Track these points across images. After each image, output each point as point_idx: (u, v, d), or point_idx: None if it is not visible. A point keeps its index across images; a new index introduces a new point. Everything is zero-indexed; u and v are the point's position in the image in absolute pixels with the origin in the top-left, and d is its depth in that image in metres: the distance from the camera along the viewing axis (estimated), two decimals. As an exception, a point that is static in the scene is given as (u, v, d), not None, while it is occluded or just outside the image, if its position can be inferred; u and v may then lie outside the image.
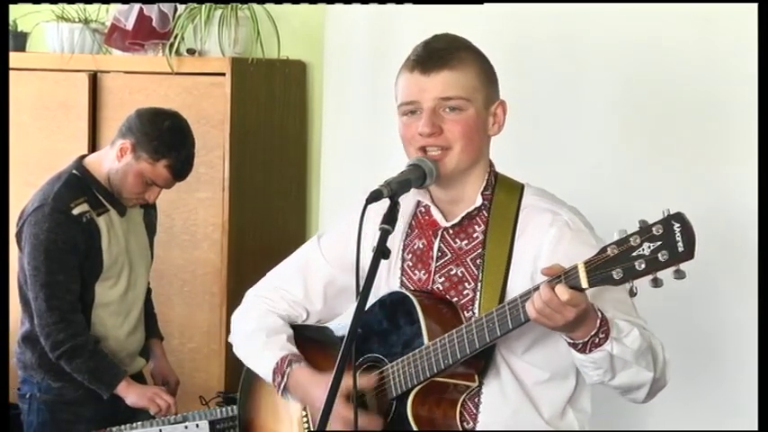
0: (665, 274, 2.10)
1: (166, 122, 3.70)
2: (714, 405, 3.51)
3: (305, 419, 2.73)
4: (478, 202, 2.52)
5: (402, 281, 2.60)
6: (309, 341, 2.75)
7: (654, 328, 2.46)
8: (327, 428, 2.23)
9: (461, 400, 2.47)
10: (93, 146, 4.48)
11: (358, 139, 4.39)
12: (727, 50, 3.46)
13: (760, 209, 3.24)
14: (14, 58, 4.59)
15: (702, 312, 3.52)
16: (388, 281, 2.62)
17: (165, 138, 3.66)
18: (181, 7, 4.52)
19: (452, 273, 2.53)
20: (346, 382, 2.30)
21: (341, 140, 4.50)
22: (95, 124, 4.57)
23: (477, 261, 2.50)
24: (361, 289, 2.28)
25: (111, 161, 3.70)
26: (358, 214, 2.33)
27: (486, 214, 2.52)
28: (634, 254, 2.12)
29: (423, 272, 2.57)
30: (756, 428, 3.01)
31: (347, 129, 4.46)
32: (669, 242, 2.08)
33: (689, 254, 2.07)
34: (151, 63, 4.53)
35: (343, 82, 4.46)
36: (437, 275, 2.55)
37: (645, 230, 2.11)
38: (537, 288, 2.23)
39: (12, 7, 4.68)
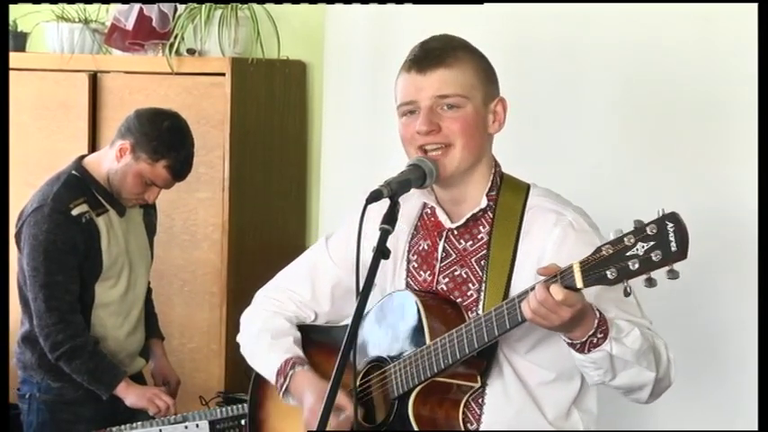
0: (660, 275, 2.10)
1: (166, 123, 3.70)
2: (715, 405, 3.51)
3: None
4: (483, 203, 2.52)
5: (407, 282, 2.60)
6: (316, 343, 2.75)
7: (654, 327, 2.46)
8: (322, 428, 2.23)
9: (464, 400, 2.47)
10: (93, 146, 4.48)
11: (358, 139, 4.39)
12: (727, 50, 3.46)
13: (760, 208, 3.24)
14: (14, 58, 4.59)
15: (703, 312, 3.52)
16: (394, 282, 2.62)
17: (165, 138, 3.66)
18: (181, 7, 4.52)
19: (456, 273, 2.53)
20: (341, 396, 2.31)
21: (341, 140, 4.50)
22: (95, 124, 4.57)
23: (482, 262, 2.50)
24: (361, 289, 2.28)
25: (110, 161, 3.70)
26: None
27: (491, 215, 2.52)
28: (628, 254, 2.12)
29: (428, 273, 2.57)
30: (756, 428, 3.01)
31: (347, 129, 4.46)
32: (662, 242, 2.08)
33: (682, 254, 2.07)
34: (151, 63, 4.53)
35: (343, 82, 4.46)
36: (441, 276, 2.55)
37: (639, 230, 2.11)
38: (533, 288, 2.23)
39: (12, 7, 4.68)
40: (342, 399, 2.49)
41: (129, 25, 4.52)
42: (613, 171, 3.69)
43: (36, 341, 3.68)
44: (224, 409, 3.61)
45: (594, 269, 2.16)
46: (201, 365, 4.41)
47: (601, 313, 2.28)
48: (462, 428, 2.47)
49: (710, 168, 3.52)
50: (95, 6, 4.78)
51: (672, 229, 2.07)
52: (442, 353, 2.40)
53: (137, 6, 4.51)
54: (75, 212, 3.64)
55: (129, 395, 3.70)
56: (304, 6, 4.51)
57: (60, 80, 4.65)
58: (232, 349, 4.30)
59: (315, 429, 2.22)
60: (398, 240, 2.60)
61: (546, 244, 2.44)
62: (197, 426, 3.50)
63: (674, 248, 2.07)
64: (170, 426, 3.52)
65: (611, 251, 2.14)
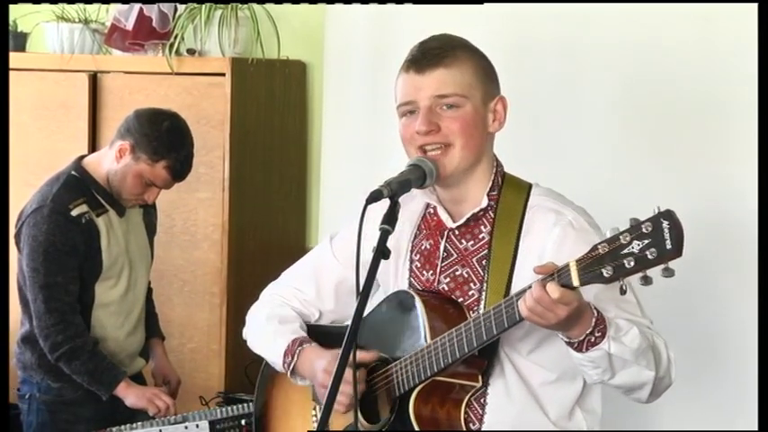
0: (655, 273, 2.10)
1: (165, 123, 3.69)
2: (715, 405, 3.51)
3: (313, 417, 2.73)
4: (484, 203, 2.52)
5: (410, 281, 2.61)
6: (322, 343, 2.75)
7: (655, 327, 2.46)
8: (322, 428, 2.23)
9: (466, 400, 2.47)
10: (93, 146, 4.48)
11: (358, 139, 4.39)
12: (727, 50, 3.46)
13: (760, 208, 3.24)
14: (14, 59, 4.59)
15: (703, 312, 3.52)
16: (397, 281, 2.63)
17: (164, 139, 3.66)
18: (181, 7, 4.52)
19: (458, 273, 2.53)
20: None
21: (341, 140, 4.50)
22: (95, 124, 4.57)
23: (483, 262, 2.51)
24: (361, 289, 2.29)
25: (109, 162, 3.70)
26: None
27: (492, 215, 2.52)
28: (624, 251, 2.12)
29: (430, 272, 2.58)
30: (756, 428, 3.01)
31: (347, 129, 4.46)
32: (658, 240, 2.08)
33: (677, 252, 2.07)
34: (151, 63, 4.53)
35: (343, 82, 4.46)
36: (442, 276, 2.55)
37: (635, 228, 2.11)
38: (531, 286, 2.23)
39: (12, 7, 4.68)
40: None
41: (129, 25, 4.52)
42: (613, 171, 3.69)
43: (36, 341, 3.68)
44: (224, 410, 3.61)
45: (590, 267, 2.16)
46: (201, 365, 4.41)
47: (599, 312, 2.28)
48: (464, 428, 2.47)
49: (710, 168, 3.52)
50: (95, 6, 4.77)
51: (667, 227, 2.07)
52: (442, 352, 2.41)
53: (137, 6, 4.51)
54: (74, 213, 3.64)
55: (129, 395, 3.70)
56: (304, 6, 4.51)
57: (60, 80, 4.64)
58: (232, 349, 4.33)
59: (319, 428, 2.22)
60: (401, 240, 2.61)
61: (546, 243, 2.45)
62: (197, 426, 3.50)
63: (668, 246, 2.07)
64: (170, 426, 3.52)
65: (606, 249, 2.14)
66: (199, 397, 4.08)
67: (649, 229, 2.09)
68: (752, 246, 3.27)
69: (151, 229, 3.93)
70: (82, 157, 3.80)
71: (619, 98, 3.69)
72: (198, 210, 4.41)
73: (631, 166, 3.66)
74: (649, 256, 2.08)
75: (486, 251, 2.51)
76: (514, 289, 2.43)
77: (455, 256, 2.55)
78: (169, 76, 4.43)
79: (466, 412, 2.47)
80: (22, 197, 3.88)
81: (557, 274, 2.20)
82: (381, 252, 2.30)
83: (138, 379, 3.88)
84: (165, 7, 4.51)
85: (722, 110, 3.49)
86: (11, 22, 4.79)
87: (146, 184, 3.69)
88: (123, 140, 3.68)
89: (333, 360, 2.54)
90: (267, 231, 4.56)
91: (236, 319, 4.22)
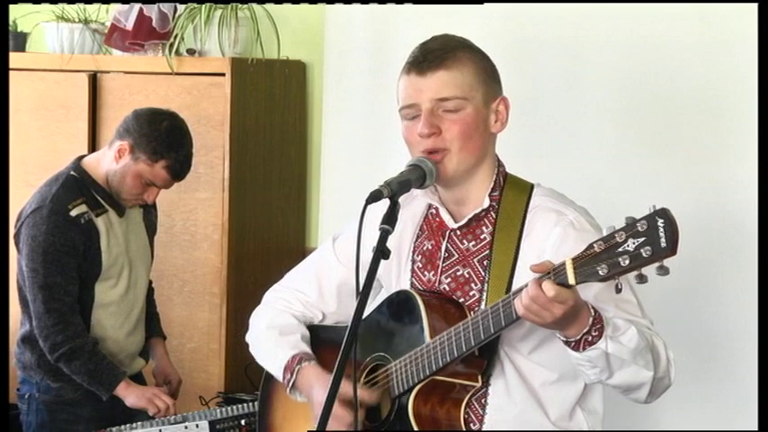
0: (651, 271, 2.10)
1: (164, 123, 3.69)
2: (715, 405, 3.51)
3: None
4: (486, 203, 2.52)
5: (412, 282, 2.61)
6: (325, 342, 2.76)
7: (655, 327, 2.46)
8: (327, 429, 2.23)
9: (466, 400, 2.47)
10: (93, 146, 4.48)
11: (358, 139, 4.39)
12: (727, 50, 3.47)
13: (760, 206, 3.24)
14: (14, 59, 4.59)
15: (703, 312, 3.52)
16: (399, 282, 2.63)
17: (164, 138, 3.66)
18: (181, 7, 4.52)
19: (459, 273, 2.53)
20: (347, 386, 2.30)
21: (341, 140, 4.50)
22: (95, 124, 4.57)
23: (484, 262, 2.51)
24: (361, 289, 2.29)
25: (109, 162, 3.70)
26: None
27: (493, 215, 2.52)
28: (619, 250, 2.11)
29: (432, 273, 2.58)
30: (756, 428, 3.01)
31: (347, 129, 4.46)
32: (653, 238, 2.07)
33: (671, 250, 2.06)
34: (151, 63, 4.52)
35: (343, 82, 4.46)
36: (443, 276, 2.55)
37: (630, 226, 2.11)
38: (527, 285, 2.23)
39: (12, 7, 4.68)
40: (350, 392, 2.48)
41: (129, 25, 4.52)
42: (613, 170, 3.69)
43: (36, 341, 3.68)
44: (224, 410, 3.61)
45: (586, 265, 2.16)
46: (201, 365, 4.41)
47: (596, 311, 2.28)
48: (464, 428, 2.47)
49: (711, 168, 3.52)
50: (95, 6, 4.77)
51: (662, 225, 2.07)
52: (440, 351, 2.41)
53: (137, 6, 4.51)
54: (73, 213, 3.64)
55: (129, 395, 3.69)
56: (304, 6, 4.51)
57: (60, 80, 4.64)
58: (232, 349, 4.33)
59: (319, 428, 2.22)
60: (403, 241, 2.61)
61: (547, 243, 2.45)
62: (197, 426, 3.50)
63: (663, 244, 2.06)
64: (170, 426, 3.52)
65: (602, 247, 2.14)
66: (199, 397, 4.09)
67: (644, 227, 2.09)
68: (752, 246, 3.27)
69: (151, 228, 3.93)
70: (81, 158, 3.80)
71: (619, 98, 3.69)
72: (198, 210, 4.41)
73: (631, 165, 3.66)
74: (644, 255, 2.08)
75: (487, 251, 2.51)
76: (515, 289, 2.42)
77: (456, 256, 2.55)
78: (169, 76, 4.43)
79: (466, 412, 2.47)
80: (21, 197, 3.88)
81: (553, 273, 2.20)
82: (381, 252, 2.30)
83: (138, 379, 3.87)
84: (165, 7, 4.51)
85: (722, 109, 3.49)
86: (11, 22, 4.79)
87: (145, 184, 3.69)
88: (122, 140, 3.68)
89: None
90: (267, 231, 4.56)
91: (236, 319, 4.23)
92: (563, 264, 2.19)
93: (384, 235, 2.31)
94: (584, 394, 2.54)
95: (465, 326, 2.37)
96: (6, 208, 4.19)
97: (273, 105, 4.55)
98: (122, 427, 3.54)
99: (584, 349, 2.28)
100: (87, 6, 4.75)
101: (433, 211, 2.61)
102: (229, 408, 3.61)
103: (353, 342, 2.26)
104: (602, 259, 2.13)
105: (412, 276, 2.61)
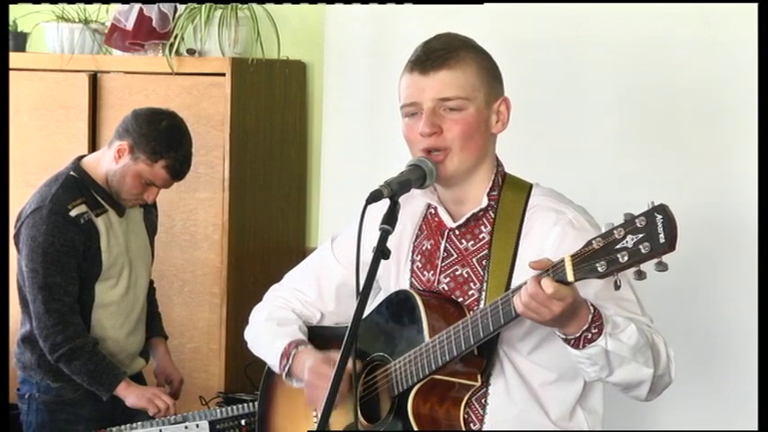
0: (650, 267, 2.10)
1: (164, 123, 3.69)
2: (716, 405, 3.51)
3: (315, 419, 2.73)
4: (484, 203, 2.52)
5: (411, 281, 2.61)
6: (324, 342, 2.75)
7: (655, 325, 2.46)
8: (322, 428, 2.23)
9: (465, 399, 2.47)
10: (94, 146, 4.48)
11: (358, 139, 4.39)
12: (728, 50, 3.47)
13: (760, 206, 3.24)
14: (14, 59, 4.59)
15: (703, 310, 3.52)
16: (398, 282, 2.63)
17: (163, 138, 3.66)
18: (181, 7, 4.52)
19: (458, 273, 2.53)
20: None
21: (341, 140, 4.50)
22: (95, 124, 4.57)
23: (483, 262, 2.51)
24: (361, 289, 2.29)
25: (108, 162, 3.70)
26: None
27: (492, 215, 2.53)
28: (618, 246, 2.12)
29: (431, 272, 2.58)
30: (756, 428, 3.01)
31: (347, 129, 4.46)
32: (651, 234, 2.08)
33: (670, 246, 2.06)
34: (151, 63, 4.52)
35: (343, 82, 4.46)
36: (442, 276, 2.55)
37: (629, 223, 2.11)
38: (526, 282, 2.23)
39: (12, 7, 4.68)
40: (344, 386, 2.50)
41: (129, 25, 4.52)
42: (613, 170, 3.69)
43: (36, 341, 3.68)
44: (224, 410, 3.61)
45: (585, 262, 2.16)
46: (201, 365, 4.41)
47: (595, 308, 2.28)
48: (464, 428, 2.47)
49: (711, 167, 3.52)
50: (95, 6, 4.77)
51: (661, 221, 2.07)
52: (440, 349, 2.41)
53: (137, 6, 4.51)
54: (73, 213, 3.64)
55: (130, 395, 3.69)
56: (304, 6, 4.51)
57: (60, 80, 4.64)
58: (232, 349, 4.32)
59: (319, 428, 2.22)
60: (402, 240, 2.61)
61: (546, 242, 2.45)
62: (197, 426, 3.50)
63: (662, 240, 2.07)
64: (170, 426, 3.52)
65: (601, 244, 2.14)
66: (199, 397, 4.08)
67: (643, 223, 2.09)
68: (752, 245, 3.27)
69: (152, 228, 3.93)
70: (81, 158, 3.80)
71: (619, 97, 3.69)
72: (198, 210, 4.41)
73: (631, 165, 3.66)
74: (643, 251, 2.08)
75: (486, 251, 2.51)
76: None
77: (455, 256, 2.55)
78: (169, 76, 4.43)
79: (466, 412, 2.47)
80: (21, 197, 3.88)
81: (551, 270, 2.21)
82: (381, 252, 2.30)
83: (138, 379, 3.87)
84: (165, 7, 4.51)
85: (722, 109, 3.49)
86: (11, 22, 4.79)
87: (145, 183, 3.69)
88: (122, 140, 3.68)
89: (320, 361, 2.57)
90: (267, 231, 4.55)
91: (236, 319, 4.23)
92: (562, 261, 2.19)
93: (384, 235, 2.31)
94: (584, 394, 2.54)
95: (464, 324, 2.37)
96: (6, 208, 4.19)
97: (273, 105, 4.55)
98: (122, 427, 3.54)
99: (583, 347, 2.29)
100: (87, 6, 4.75)
101: (432, 210, 2.61)
102: (229, 408, 3.61)
103: (353, 342, 2.26)
104: (601, 256, 2.13)
105: (411, 276, 2.61)
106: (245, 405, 3.60)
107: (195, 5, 4.43)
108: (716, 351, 3.51)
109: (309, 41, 4.61)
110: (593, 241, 2.15)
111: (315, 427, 2.70)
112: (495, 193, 2.53)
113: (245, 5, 4.45)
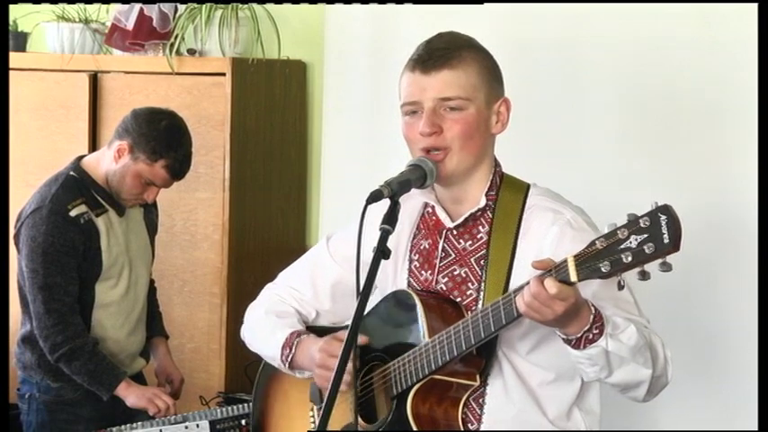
0: (654, 268, 2.10)
1: (163, 122, 3.69)
2: (715, 405, 3.51)
3: (311, 418, 2.73)
4: (482, 202, 2.52)
5: (409, 281, 2.61)
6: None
7: (653, 325, 2.47)
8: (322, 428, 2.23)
9: (464, 399, 2.47)
10: (94, 146, 4.48)
11: (358, 139, 4.39)
12: (728, 50, 3.47)
13: (760, 206, 3.24)
14: (14, 59, 4.59)
15: (703, 311, 3.52)
16: (396, 281, 2.63)
17: (163, 138, 3.66)
18: (181, 7, 4.52)
19: (456, 273, 2.53)
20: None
21: (341, 140, 4.50)
22: (95, 124, 4.57)
23: (481, 261, 2.51)
24: (361, 289, 2.29)
25: (108, 162, 3.70)
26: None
27: (490, 215, 2.53)
28: (621, 246, 2.12)
29: (429, 272, 2.58)
30: (756, 428, 3.02)
31: (347, 129, 4.46)
32: (655, 234, 2.08)
33: (674, 246, 2.07)
34: (151, 63, 4.53)
35: (343, 82, 4.46)
36: (440, 275, 2.55)
37: (632, 223, 2.11)
38: (529, 282, 2.23)
39: (12, 7, 4.68)
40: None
41: (130, 25, 4.52)
42: (613, 170, 3.69)
43: (36, 341, 3.68)
44: (224, 409, 3.61)
45: (588, 262, 2.16)
46: (202, 365, 4.41)
47: (596, 309, 2.29)
48: (462, 427, 2.47)
49: (711, 167, 3.52)
50: (95, 6, 4.77)
51: (665, 222, 2.07)
52: (440, 349, 2.41)
53: (137, 6, 4.51)
54: (73, 213, 3.64)
55: (130, 395, 3.69)
56: (304, 6, 4.51)
57: (60, 80, 4.64)
58: (232, 349, 4.33)
59: (319, 428, 2.22)
60: (400, 239, 2.61)
61: (544, 242, 2.45)
62: (197, 426, 3.50)
63: (666, 241, 2.07)
64: (170, 426, 3.52)
65: (604, 244, 2.14)
66: (199, 397, 4.09)
67: (647, 223, 2.09)
68: (752, 245, 3.27)
69: (152, 228, 3.93)
70: (81, 158, 3.80)
71: (619, 98, 3.69)
72: (198, 210, 4.41)
73: (631, 165, 3.66)
74: (647, 251, 2.09)
75: (484, 251, 2.51)
76: (512, 288, 2.42)
77: (453, 255, 2.55)
78: (169, 76, 4.43)
79: (464, 412, 2.47)
80: (21, 197, 3.88)
81: (554, 270, 2.21)
82: (382, 252, 2.30)
83: (139, 379, 3.87)
84: (166, 7, 4.51)
85: (722, 109, 3.49)
86: (11, 22, 4.79)
87: (145, 183, 3.69)
88: (121, 140, 3.68)
89: (330, 339, 2.56)
90: (267, 231, 4.56)
91: (236, 319, 4.19)
92: (564, 261, 2.20)
93: (385, 235, 2.31)
94: (581, 394, 2.54)
95: (465, 324, 2.37)
96: (6, 208, 4.19)
97: (273, 105, 4.55)
98: (122, 427, 3.55)
99: (584, 347, 2.29)
100: (88, 6, 4.75)
101: (429, 209, 2.61)
102: (230, 408, 3.61)
103: (353, 342, 2.26)
104: (605, 256, 2.14)
105: (409, 275, 2.61)
106: (246, 405, 3.60)
107: (196, 5, 4.43)
108: (716, 351, 3.51)
109: (309, 41, 4.61)
110: (597, 241, 2.15)
111: (311, 426, 2.71)
112: (492, 193, 2.54)
113: (246, 5, 4.45)
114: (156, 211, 3.95)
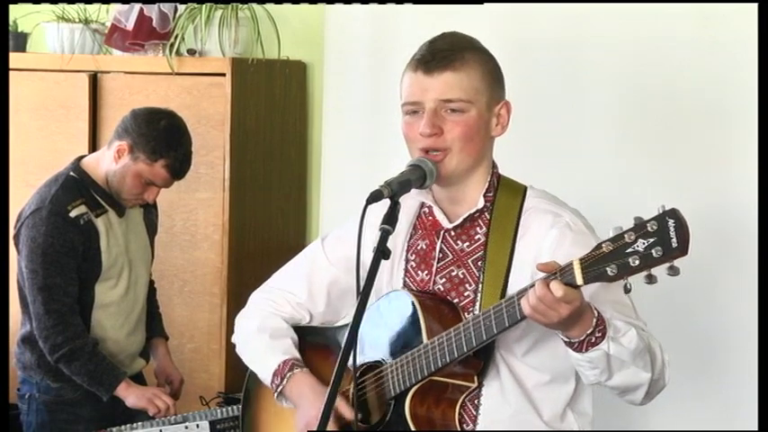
0: (660, 271, 2.10)
1: (163, 122, 3.69)
2: (715, 405, 3.51)
3: None
4: (480, 204, 2.52)
5: (405, 281, 2.60)
6: (312, 345, 2.75)
7: (653, 326, 2.47)
8: (322, 428, 2.23)
9: (461, 400, 2.47)
10: (94, 146, 4.48)
11: (358, 139, 4.39)
12: (728, 50, 3.47)
13: (760, 206, 3.24)
14: (14, 59, 4.59)
15: (703, 312, 3.52)
16: (391, 281, 2.62)
17: (162, 138, 3.66)
18: (181, 7, 4.52)
19: (453, 274, 2.53)
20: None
21: (341, 140, 4.50)
22: (95, 125, 4.57)
23: (479, 263, 2.51)
24: (361, 289, 2.29)
25: (108, 163, 3.70)
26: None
27: (488, 216, 2.53)
28: (628, 250, 2.12)
29: (425, 272, 2.57)
30: (756, 428, 3.02)
31: (347, 129, 4.46)
32: (663, 238, 2.08)
33: (682, 250, 2.07)
34: (151, 63, 4.53)
35: (343, 82, 4.47)
36: (438, 276, 2.55)
37: (639, 227, 2.11)
38: (533, 285, 2.23)
39: (12, 7, 4.68)
40: (340, 405, 2.50)
41: (130, 25, 4.52)
42: (613, 170, 3.69)
43: (36, 342, 3.68)
44: (224, 410, 3.61)
45: (594, 266, 2.16)
46: (202, 366, 4.41)
47: (599, 312, 2.29)
48: (458, 428, 2.47)
49: (711, 168, 3.52)
50: (95, 6, 4.77)
51: (672, 226, 2.07)
52: (440, 351, 2.41)
53: (137, 6, 4.51)
54: (73, 214, 3.64)
55: (130, 396, 3.69)
56: (304, 6, 4.51)
57: (60, 80, 4.64)
58: (232, 349, 4.28)
59: (319, 428, 2.22)
60: (397, 239, 2.60)
61: (543, 245, 2.45)
62: (197, 426, 3.50)
63: (674, 245, 2.07)
64: (170, 426, 3.52)
65: (611, 248, 2.14)
66: (199, 397, 4.08)
67: (654, 227, 2.09)
68: (752, 246, 3.27)
69: (152, 228, 3.93)
70: (80, 158, 3.80)
71: (619, 98, 3.69)
72: (198, 210, 4.41)
73: (631, 165, 3.66)
74: (654, 255, 2.08)
75: (481, 252, 2.51)
76: (511, 290, 2.42)
77: (451, 256, 2.55)
78: (169, 77, 4.43)
79: (460, 413, 2.47)
80: (21, 197, 3.88)
81: (560, 273, 2.21)
82: (382, 252, 2.30)
83: (139, 379, 3.87)
84: (166, 7, 4.51)
85: (722, 110, 3.49)
86: (11, 22, 4.79)
87: (145, 183, 3.69)
88: (121, 141, 3.68)
89: (313, 407, 2.54)
90: (267, 231, 4.56)
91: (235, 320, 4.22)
92: (570, 264, 2.19)
93: (385, 235, 2.31)
94: (575, 396, 2.54)
95: (466, 326, 2.37)
96: (6, 208, 4.19)
97: (273, 105, 4.55)
98: (122, 427, 3.55)
99: (586, 350, 2.29)
100: (87, 6, 4.75)
101: (426, 209, 2.61)
102: (230, 408, 3.61)
103: (354, 343, 2.26)
104: (611, 259, 2.13)
105: (405, 276, 2.60)
106: (245, 405, 3.60)
107: (195, 5, 4.43)
108: (715, 351, 3.51)
109: (309, 41, 4.61)
110: (603, 245, 2.15)
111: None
112: (490, 195, 2.54)
113: (246, 5, 4.45)
114: (155, 212, 3.95)
